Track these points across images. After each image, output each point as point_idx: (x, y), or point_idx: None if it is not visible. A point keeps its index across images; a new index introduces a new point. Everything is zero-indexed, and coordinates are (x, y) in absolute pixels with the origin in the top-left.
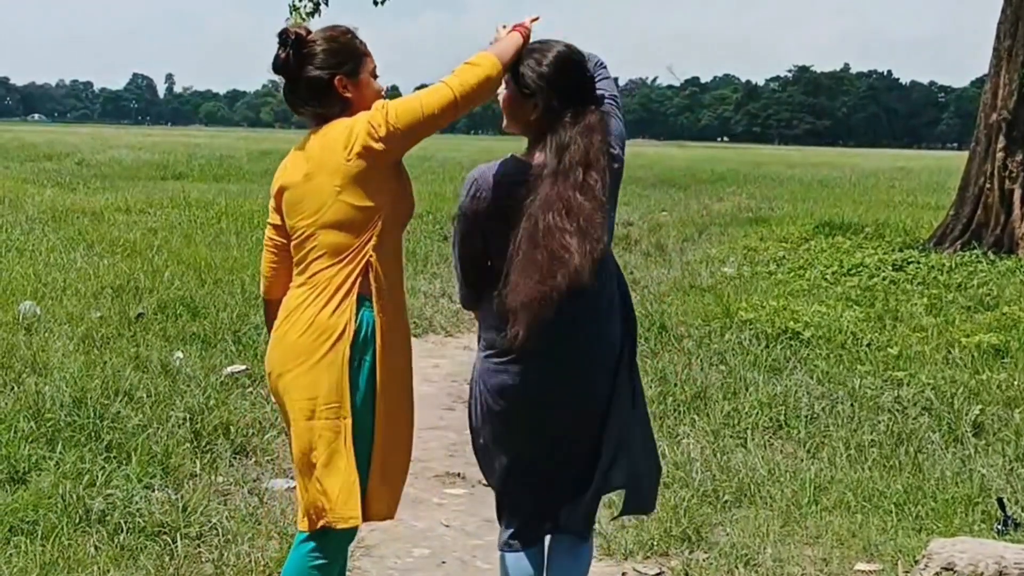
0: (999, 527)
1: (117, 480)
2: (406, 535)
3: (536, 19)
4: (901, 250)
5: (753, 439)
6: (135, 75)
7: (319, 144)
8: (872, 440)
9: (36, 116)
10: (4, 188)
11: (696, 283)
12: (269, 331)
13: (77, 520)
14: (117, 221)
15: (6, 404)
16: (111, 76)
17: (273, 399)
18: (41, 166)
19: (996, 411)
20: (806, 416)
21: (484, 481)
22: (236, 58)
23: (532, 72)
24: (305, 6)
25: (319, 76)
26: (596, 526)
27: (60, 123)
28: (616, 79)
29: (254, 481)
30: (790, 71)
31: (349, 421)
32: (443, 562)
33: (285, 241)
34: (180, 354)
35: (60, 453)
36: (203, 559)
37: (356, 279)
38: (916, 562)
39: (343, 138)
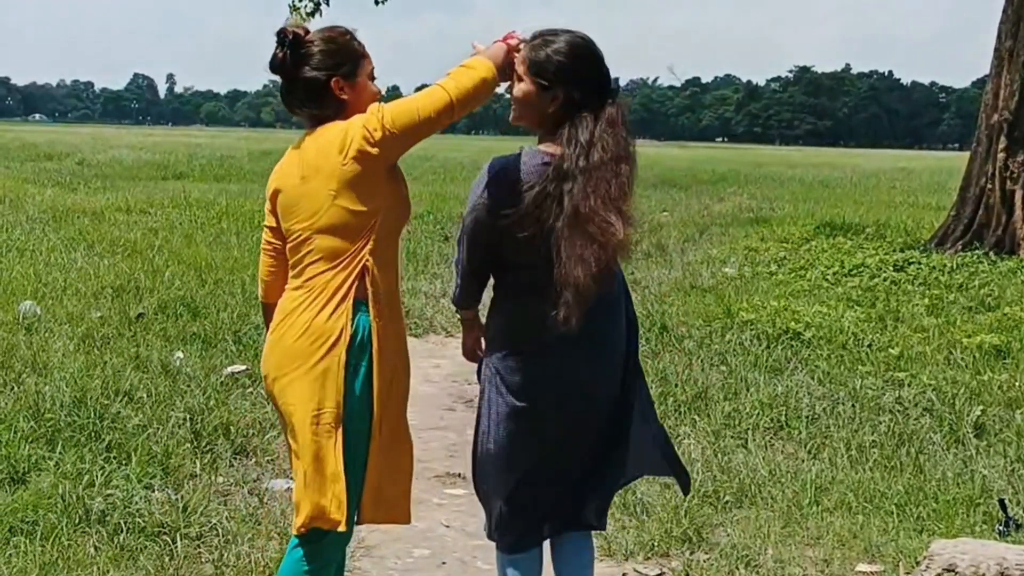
0: (1000, 528)
1: (117, 480)
2: (406, 535)
3: (520, 41)
4: (902, 251)
5: (754, 440)
6: (136, 75)
7: (314, 147)
8: (873, 441)
9: (37, 116)
10: (5, 188)
11: (697, 283)
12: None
13: (77, 520)
14: (118, 221)
15: (6, 404)
16: (112, 76)
17: (270, 401)
18: (42, 166)
19: (997, 412)
20: (807, 417)
21: (483, 489)
22: (237, 58)
23: (552, 64)
24: (305, 6)
25: (316, 77)
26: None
27: (61, 123)
28: (617, 79)
29: (254, 481)
30: (791, 71)
31: (341, 427)
32: (443, 562)
33: (282, 244)
34: (180, 354)
35: (60, 453)
36: (203, 559)
37: (352, 283)
38: (917, 563)
39: (338, 141)
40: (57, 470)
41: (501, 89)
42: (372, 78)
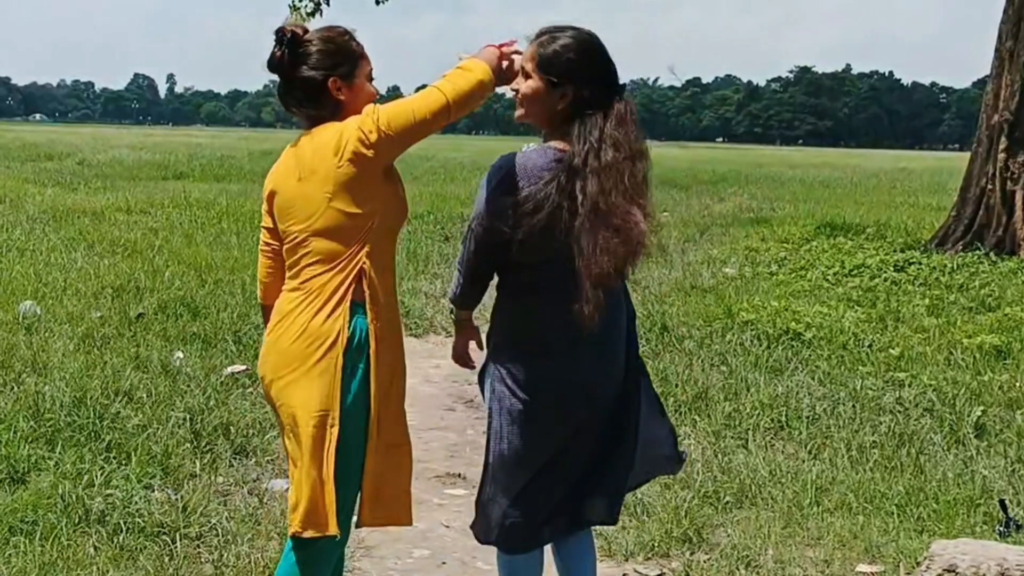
0: (1001, 529)
1: (117, 480)
2: (406, 536)
3: (514, 49)
4: (903, 251)
5: (754, 440)
6: (136, 75)
7: (310, 148)
8: (874, 441)
9: (37, 116)
10: (5, 188)
11: (697, 284)
12: None
13: (76, 520)
14: (118, 221)
15: (6, 404)
16: (112, 76)
17: (267, 403)
18: (42, 166)
19: (998, 412)
20: (807, 417)
21: (488, 490)
22: (237, 58)
23: (562, 60)
24: (306, 6)
25: (313, 77)
26: (597, 527)
27: (61, 123)
28: None
29: (254, 481)
30: (792, 72)
31: (336, 430)
32: (443, 563)
33: (279, 245)
34: (180, 354)
35: (60, 453)
36: (203, 560)
37: (349, 286)
38: (918, 564)
39: (333, 143)
40: (57, 470)
41: (504, 91)
42: (370, 79)
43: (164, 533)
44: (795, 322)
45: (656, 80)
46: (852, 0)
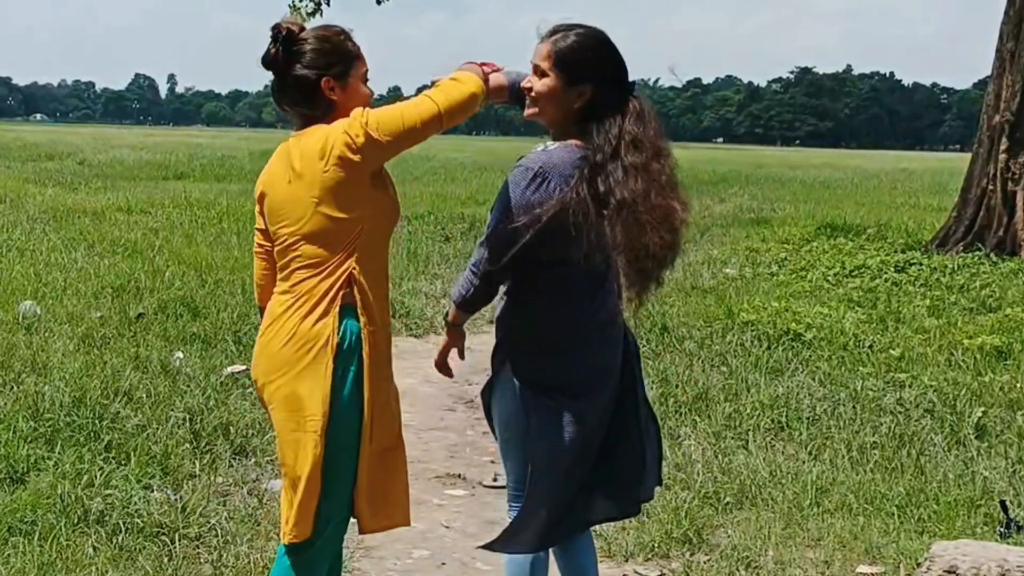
0: (1002, 530)
1: (116, 480)
2: (406, 536)
3: (497, 69)
4: (903, 252)
5: (755, 441)
6: (137, 75)
7: (297, 151)
8: (874, 442)
9: (38, 116)
10: (6, 188)
11: (698, 284)
12: None
13: (75, 520)
14: (118, 221)
15: (5, 404)
16: (113, 76)
17: (262, 405)
18: (43, 166)
19: (999, 413)
20: (808, 418)
21: (535, 501)
22: (238, 58)
23: (579, 58)
24: (306, 6)
25: (306, 75)
26: (597, 527)
27: (62, 123)
28: None
29: (253, 482)
30: (792, 72)
31: (325, 436)
32: (443, 564)
33: (272, 246)
34: (180, 354)
35: (59, 453)
36: (202, 560)
37: (339, 290)
38: (918, 565)
39: (319, 147)
40: (56, 470)
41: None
42: (365, 80)
43: (163, 533)
44: (796, 323)
45: (657, 81)
46: (853, 1)
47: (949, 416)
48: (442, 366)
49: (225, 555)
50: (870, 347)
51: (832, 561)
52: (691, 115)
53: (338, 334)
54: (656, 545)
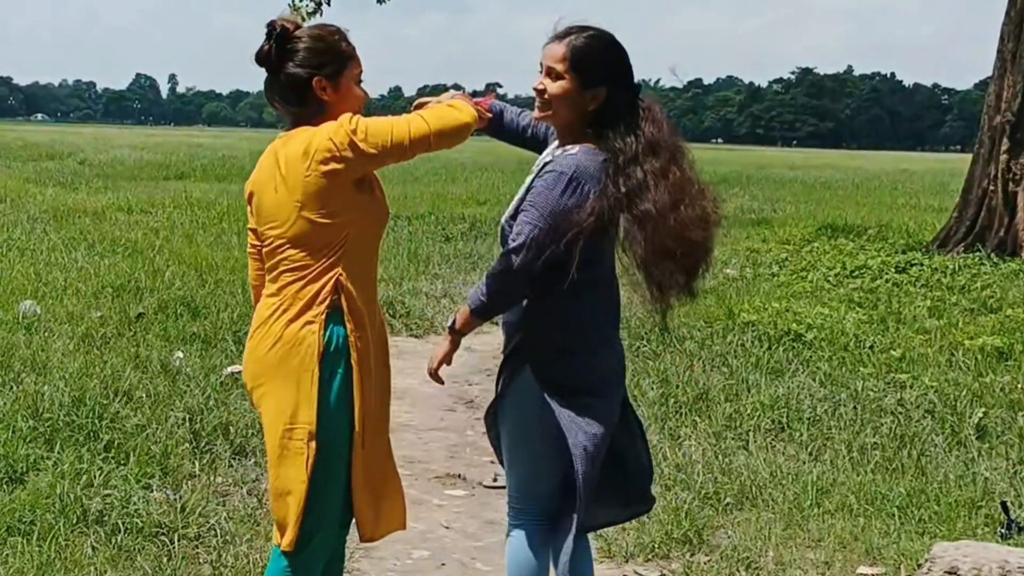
0: (1002, 531)
1: (115, 480)
2: (406, 537)
3: (488, 108)
4: (904, 252)
5: (755, 441)
6: (138, 75)
7: (284, 153)
8: (875, 443)
9: (39, 116)
10: (6, 187)
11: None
12: None
13: (75, 520)
14: (119, 221)
15: (5, 404)
16: (114, 76)
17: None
18: (43, 166)
19: (999, 414)
20: (808, 418)
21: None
22: (239, 59)
23: (594, 60)
24: (307, 5)
25: (298, 74)
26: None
27: (63, 123)
28: None
29: (253, 482)
30: (793, 73)
31: (314, 443)
32: (443, 564)
33: (262, 246)
34: (180, 354)
35: (58, 453)
36: (201, 560)
37: (326, 295)
38: (919, 566)
39: (302, 151)
40: (55, 470)
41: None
42: (358, 82)
43: (162, 533)
44: (796, 323)
45: (658, 81)
46: (854, 1)
47: (950, 417)
48: (436, 374)
49: (224, 555)
50: (871, 348)
51: (832, 562)
52: (692, 116)
53: (324, 339)
54: (656, 546)
